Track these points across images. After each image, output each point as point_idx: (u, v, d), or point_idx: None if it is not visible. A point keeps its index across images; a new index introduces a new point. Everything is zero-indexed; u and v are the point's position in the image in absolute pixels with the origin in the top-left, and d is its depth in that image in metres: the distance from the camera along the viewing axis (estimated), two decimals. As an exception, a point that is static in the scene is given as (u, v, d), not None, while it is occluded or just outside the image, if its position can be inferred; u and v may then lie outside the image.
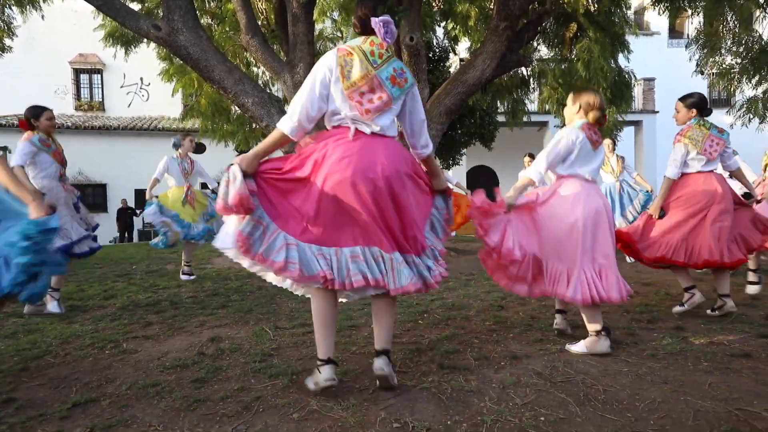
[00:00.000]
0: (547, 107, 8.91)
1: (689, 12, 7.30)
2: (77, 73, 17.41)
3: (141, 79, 17.23)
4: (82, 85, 17.55)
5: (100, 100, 17.60)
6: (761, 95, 7.59)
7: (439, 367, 2.42)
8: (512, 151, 15.52)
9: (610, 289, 2.50)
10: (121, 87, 17.52)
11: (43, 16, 7.53)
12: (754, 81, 7.33)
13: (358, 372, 2.38)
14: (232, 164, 2.01)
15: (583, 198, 2.56)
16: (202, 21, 7.79)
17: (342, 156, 1.98)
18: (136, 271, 6.18)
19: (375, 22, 2.00)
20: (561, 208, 2.57)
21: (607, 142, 6.16)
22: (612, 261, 2.57)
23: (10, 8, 7.62)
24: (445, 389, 2.16)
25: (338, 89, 1.99)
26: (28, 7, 7.31)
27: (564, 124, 2.88)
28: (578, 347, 2.61)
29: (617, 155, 6.37)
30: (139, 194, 14.31)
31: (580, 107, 2.71)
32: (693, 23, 8.27)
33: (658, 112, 16.30)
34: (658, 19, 14.24)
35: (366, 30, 2.08)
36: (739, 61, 7.30)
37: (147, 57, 10.60)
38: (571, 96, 2.81)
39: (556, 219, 2.57)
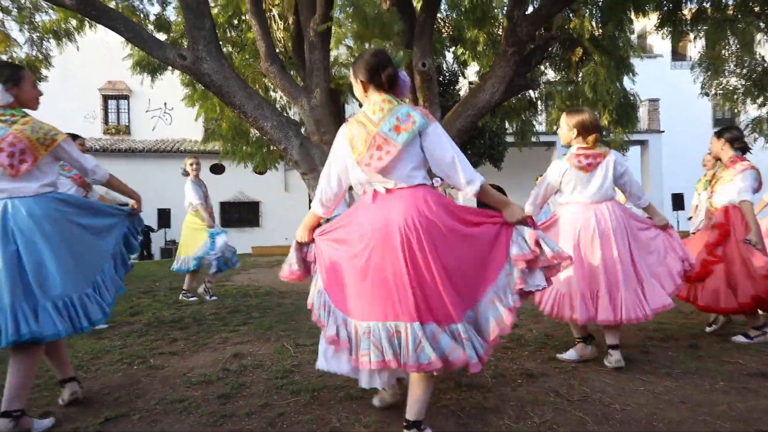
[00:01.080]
0: (555, 128, 9.04)
1: (691, 36, 7.42)
2: (105, 99, 18.15)
3: (165, 103, 17.84)
4: (109, 110, 18.27)
5: (127, 124, 18.25)
6: (766, 115, 7.64)
7: (456, 384, 2.47)
8: (521, 171, 15.66)
9: (602, 311, 2.56)
10: (146, 111, 18.18)
11: (78, 48, 7.97)
12: (758, 102, 7.38)
13: (377, 389, 2.43)
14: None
15: (580, 222, 2.64)
16: (224, 49, 8.12)
17: (355, 221, 1.95)
18: (160, 288, 6.34)
19: (401, 75, 1.98)
20: (560, 235, 2.69)
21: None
22: (614, 281, 2.59)
23: (48, 41, 8.08)
24: (463, 407, 2.20)
25: (352, 161, 1.94)
26: (63, 39, 7.75)
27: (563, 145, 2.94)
28: (568, 354, 2.79)
29: None
30: (162, 213, 14.64)
31: (576, 130, 2.72)
32: (696, 46, 8.41)
33: (663, 131, 16.43)
34: (660, 42, 14.39)
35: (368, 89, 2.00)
36: (743, 82, 7.37)
37: (171, 83, 11.01)
38: (564, 117, 2.79)
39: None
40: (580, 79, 8.00)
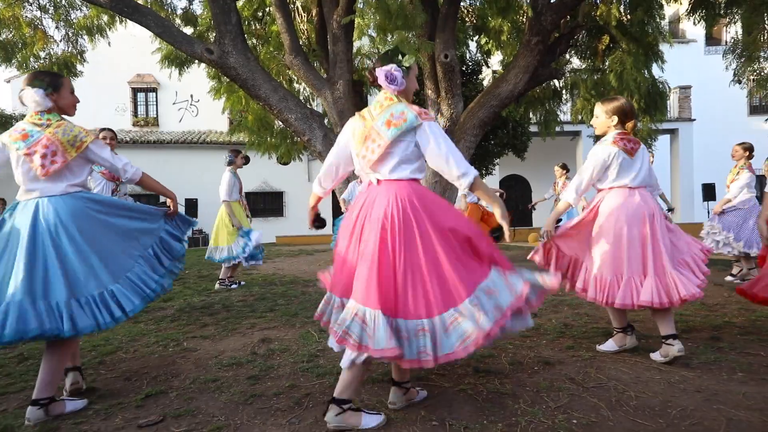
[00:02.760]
0: (580, 117, 8.87)
1: (726, 20, 7.16)
2: (135, 91, 18.68)
3: (191, 96, 18.25)
4: (138, 103, 18.78)
5: (155, 116, 18.76)
6: None
7: (474, 370, 2.55)
8: (545, 161, 15.46)
9: (652, 294, 2.53)
10: (174, 104, 18.63)
11: (109, 43, 8.25)
12: None
13: (398, 373, 2.54)
14: None
15: (629, 207, 2.64)
16: (248, 42, 8.26)
17: (353, 208, 2.09)
18: (189, 276, 6.59)
19: (378, 73, 2.07)
20: (604, 219, 2.68)
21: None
22: (659, 266, 2.59)
23: (83, 38, 8.38)
24: (480, 391, 2.29)
25: (354, 152, 2.11)
26: (96, 35, 8.04)
27: (596, 135, 2.94)
28: (607, 346, 2.81)
29: None
30: (189, 203, 15.05)
31: (616, 118, 2.74)
32: (730, 31, 8.08)
33: (694, 120, 15.85)
34: (694, 27, 13.91)
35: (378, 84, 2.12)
36: None
37: (197, 76, 11.26)
38: (600, 106, 2.80)
39: (604, 231, 2.67)
40: (606, 67, 7.85)
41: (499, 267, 1.98)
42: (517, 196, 17.49)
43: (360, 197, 2.09)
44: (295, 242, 15.34)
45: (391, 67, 2.06)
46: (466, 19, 9.15)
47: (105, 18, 8.24)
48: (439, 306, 1.85)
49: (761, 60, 7.32)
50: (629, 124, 2.75)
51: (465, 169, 1.98)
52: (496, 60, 10.93)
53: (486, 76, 11.54)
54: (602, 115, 2.79)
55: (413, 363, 1.83)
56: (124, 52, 16.57)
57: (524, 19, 7.99)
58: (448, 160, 1.98)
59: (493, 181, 15.93)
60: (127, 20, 6.74)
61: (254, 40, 9.31)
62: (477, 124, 6.92)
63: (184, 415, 2.16)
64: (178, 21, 8.79)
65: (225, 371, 2.70)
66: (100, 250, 2.26)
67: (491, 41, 8.89)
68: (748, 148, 5.26)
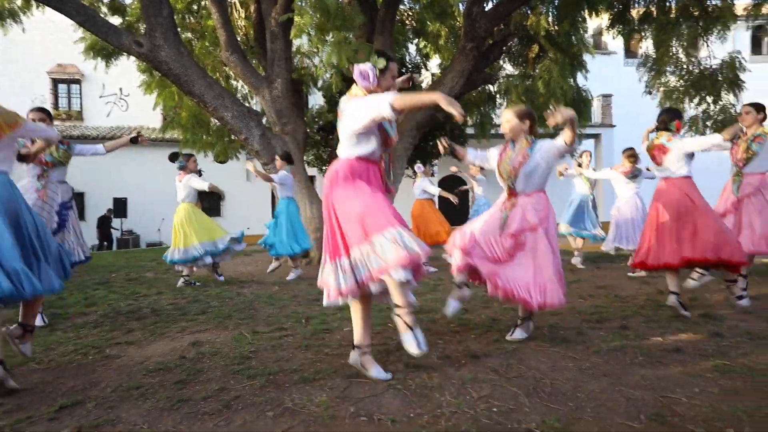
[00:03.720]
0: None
1: (640, 36, 7.88)
2: (55, 83, 17.31)
3: (120, 89, 17.19)
4: (60, 95, 17.43)
5: (79, 109, 17.48)
6: (701, 114, 8.24)
7: (405, 366, 2.63)
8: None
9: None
10: (101, 97, 17.46)
11: (23, 30, 7.60)
12: (695, 101, 7.94)
13: (330, 372, 2.58)
14: None
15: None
16: (182, 36, 7.95)
17: None
18: (116, 280, 6.25)
19: (354, 69, 2.45)
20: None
21: (585, 154, 6.47)
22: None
23: (-9, 22, 7.67)
24: (409, 385, 2.37)
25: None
26: (8, 20, 7.38)
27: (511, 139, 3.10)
28: (516, 335, 3.06)
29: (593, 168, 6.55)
30: (117, 203, 14.21)
31: (528, 122, 2.98)
32: (643, 46, 8.89)
33: (615, 125, 17.23)
34: (614, 41, 15.11)
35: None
36: (682, 83, 7.93)
37: (127, 68, 10.67)
38: (512, 112, 3.03)
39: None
40: (536, 73, 8.32)
41: None
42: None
43: None
44: (234, 243, 14.88)
45: (367, 66, 2.37)
46: (406, 22, 9.34)
47: (19, 1, 7.60)
48: None
49: (667, 74, 8.08)
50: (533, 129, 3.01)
51: (383, 103, 2.26)
52: (434, 64, 11.23)
53: (425, 79, 11.81)
54: (514, 120, 2.99)
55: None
56: (43, 40, 15.35)
57: (460, 25, 8.28)
58: (368, 110, 2.31)
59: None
60: (45, 6, 6.27)
61: (189, 34, 8.97)
62: (415, 126, 7.09)
63: (102, 425, 2.07)
64: (104, 10, 8.28)
65: (150, 377, 2.60)
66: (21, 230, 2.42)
67: (430, 45, 9.14)
68: (632, 155, 5.86)
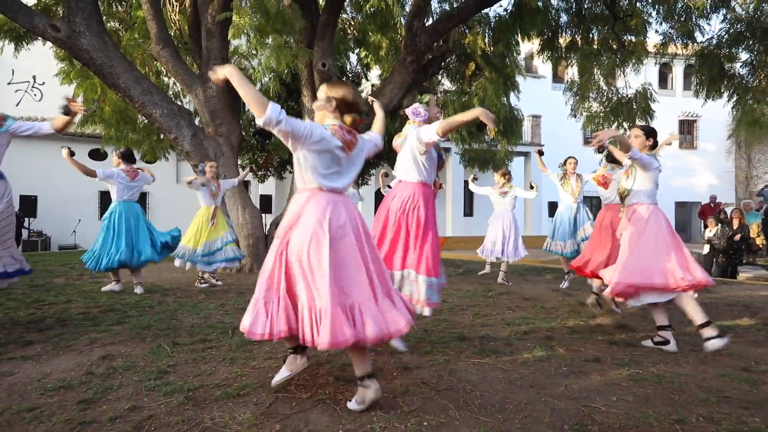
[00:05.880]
0: (448, 136, 9.64)
1: (566, 63, 8.51)
2: (-47, 64, 15.48)
3: (33, 77, 15.67)
4: (-42, 79, 15.60)
5: (-20, 95, 15.73)
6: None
7: (335, 379, 2.55)
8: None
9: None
10: (9, 84, 15.81)
11: None
12: (614, 126, 8.67)
13: (256, 386, 2.44)
14: None
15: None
16: (108, 25, 7.42)
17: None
18: (17, 285, 5.60)
19: (407, 111, 3.22)
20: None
21: (570, 161, 5.91)
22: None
23: None
24: (339, 400, 2.29)
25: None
26: None
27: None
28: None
29: (577, 174, 5.81)
30: (24, 200, 12.87)
31: (335, 102, 2.28)
32: (569, 73, 9.61)
33: (543, 145, 18.37)
34: (543, 65, 16.15)
35: None
36: (602, 108, 8.68)
37: (42, 54, 9.78)
38: (324, 87, 2.34)
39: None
40: (472, 90, 8.64)
41: None
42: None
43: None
44: (159, 248, 14.00)
45: (418, 106, 3.13)
46: (348, 31, 9.36)
47: None
48: None
49: (590, 99, 8.77)
50: (348, 118, 2.33)
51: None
52: (375, 74, 11.32)
53: (365, 89, 11.88)
54: (322, 94, 2.33)
55: None
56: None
57: (401, 38, 8.44)
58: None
59: (369, 191, 16.39)
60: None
61: (116, 24, 8.39)
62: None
63: (-15, 454, 1.81)
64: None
65: (48, 397, 2.32)
66: None
67: (371, 55, 9.21)
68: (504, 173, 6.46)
